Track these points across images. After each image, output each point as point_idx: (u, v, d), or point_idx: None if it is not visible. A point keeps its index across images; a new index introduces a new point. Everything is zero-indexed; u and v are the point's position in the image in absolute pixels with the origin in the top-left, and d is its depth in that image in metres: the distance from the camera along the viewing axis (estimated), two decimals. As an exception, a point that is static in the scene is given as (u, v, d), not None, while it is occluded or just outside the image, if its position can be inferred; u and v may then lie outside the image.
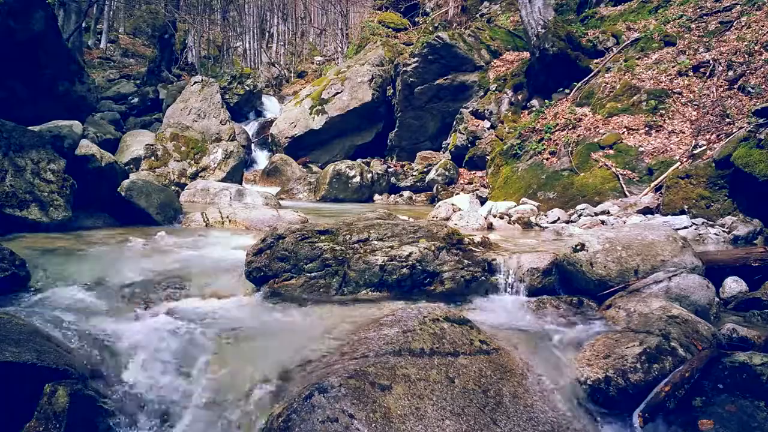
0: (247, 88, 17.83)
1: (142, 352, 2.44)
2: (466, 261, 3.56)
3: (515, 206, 7.06)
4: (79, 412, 1.91)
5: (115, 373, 2.30)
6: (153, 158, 11.11)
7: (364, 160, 12.94)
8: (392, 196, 11.85)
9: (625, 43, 10.31)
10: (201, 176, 10.90)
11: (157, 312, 2.97)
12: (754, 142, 5.45)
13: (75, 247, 4.10)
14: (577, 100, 9.43)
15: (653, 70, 8.96)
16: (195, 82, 14.39)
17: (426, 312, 2.57)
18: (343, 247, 3.50)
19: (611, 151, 7.75)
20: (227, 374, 2.32)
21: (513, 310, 3.30)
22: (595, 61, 10.37)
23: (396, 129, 14.02)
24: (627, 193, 7.05)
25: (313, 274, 3.38)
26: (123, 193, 5.66)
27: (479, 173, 11.20)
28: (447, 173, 11.38)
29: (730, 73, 8.02)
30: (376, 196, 11.78)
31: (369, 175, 11.72)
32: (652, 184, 6.92)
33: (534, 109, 10.53)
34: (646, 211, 6.29)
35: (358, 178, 11.43)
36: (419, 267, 3.41)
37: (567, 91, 10.02)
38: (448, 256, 3.53)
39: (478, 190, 10.07)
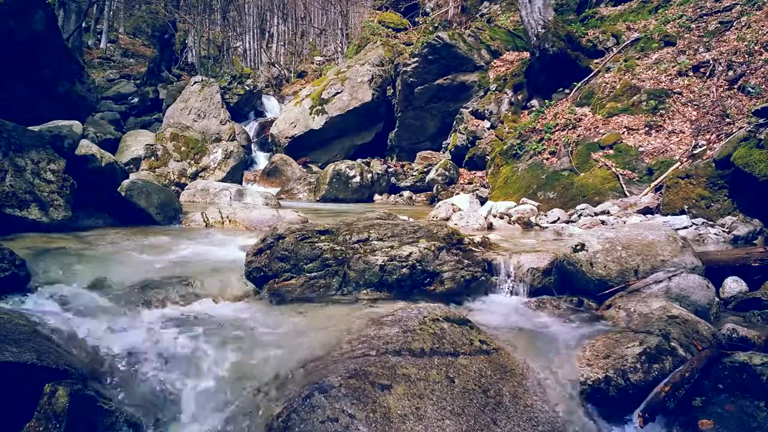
0: (247, 88, 17.82)
1: (141, 352, 2.44)
2: (466, 261, 3.56)
3: (515, 206, 7.06)
4: (79, 412, 1.91)
5: (114, 373, 2.30)
6: (153, 158, 11.11)
7: (364, 160, 12.94)
8: (392, 196, 11.85)
9: (625, 43, 10.31)
10: (201, 176, 10.90)
11: (157, 312, 2.97)
12: (754, 142, 5.45)
13: (75, 247, 4.10)
14: (577, 100, 9.43)
15: (653, 70, 8.96)
16: (195, 82, 14.40)
17: (426, 312, 2.57)
18: (343, 247, 3.50)
19: (611, 151, 7.75)
20: (227, 374, 2.32)
21: (513, 310, 3.30)
22: (595, 61, 10.37)
23: (396, 129, 14.02)
24: (627, 193, 7.05)
25: (313, 274, 3.38)
26: (123, 193, 5.66)
27: (479, 173, 11.20)
28: (447, 173, 11.38)
29: (730, 73, 8.02)
30: (376, 196, 11.78)
31: (369, 175, 11.72)
32: (652, 184, 6.92)
33: (534, 109, 10.53)
34: (646, 211, 6.29)
35: (358, 178, 11.42)
36: (419, 267, 3.41)
37: (567, 91, 10.02)
38: (448, 256, 3.53)
39: (478, 190, 10.07)
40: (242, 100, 17.62)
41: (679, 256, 3.36)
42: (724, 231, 5.20)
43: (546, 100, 10.25)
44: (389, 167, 12.72)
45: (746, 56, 8.07)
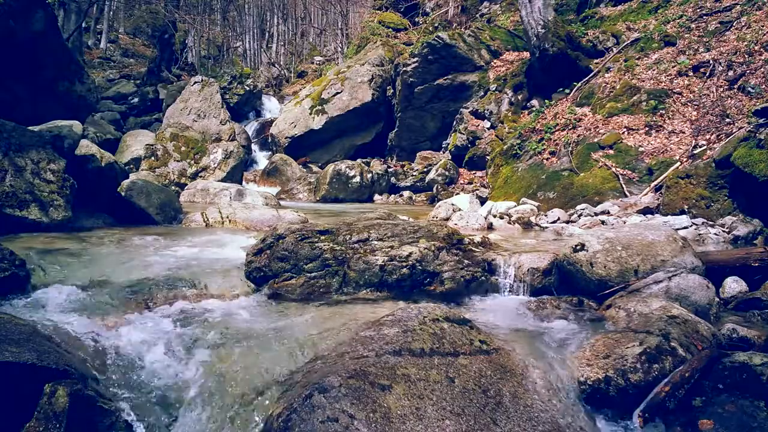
0: (247, 88, 17.82)
1: (141, 351, 2.44)
2: (466, 261, 3.56)
3: (515, 206, 7.06)
4: (79, 412, 1.91)
5: (115, 373, 2.30)
6: (153, 158, 11.11)
7: (364, 160, 12.94)
8: (392, 196, 11.85)
9: (625, 43, 10.30)
10: (201, 176, 10.90)
11: (157, 312, 2.97)
12: (754, 142, 5.45)
13: (75, 247, 4.10)
14: (577, 100, 9.42)
15: (653, 70, 8.96)
16: (195, 82, 14.40)
17: (426, 312, 2.57)
18: (343, 247, 3.50)
19: (611, 151, 7.75)
20: (227, 374, 2.32)
21: (513, 310, 3.30)
22: (595, 61, 10.37)
23: (396, 129, 14.02)
24: (627, 193, 7.04)
25: (313, 274, 3.38)
26: (123, 193, 5.66)
27: (479, 173, 11.19)
28: (447, 173, 11.38)
29: (730, 73, 8.01)
30: (376, 196, 11.77)
31: (369, 175, 11.72)
32: (652, 184, 6.92)
33: (534, 109, 10.53)
34: (646, 211, 6.28)
35: (358, 178, 11.42)
36: (419, 267, 3.41)
37: (567, 91, 10.01)
38: (448, 256, 3.53)
39: (478, 190, 10.07)
40: (242, 100, 17.62)
41: (679, 256, 3.36)
42: (724, 231, 5.20)
43: (546, 100, 10.25)
44: (389, 167, 12.72)
45: (746, 56, 8.06)
